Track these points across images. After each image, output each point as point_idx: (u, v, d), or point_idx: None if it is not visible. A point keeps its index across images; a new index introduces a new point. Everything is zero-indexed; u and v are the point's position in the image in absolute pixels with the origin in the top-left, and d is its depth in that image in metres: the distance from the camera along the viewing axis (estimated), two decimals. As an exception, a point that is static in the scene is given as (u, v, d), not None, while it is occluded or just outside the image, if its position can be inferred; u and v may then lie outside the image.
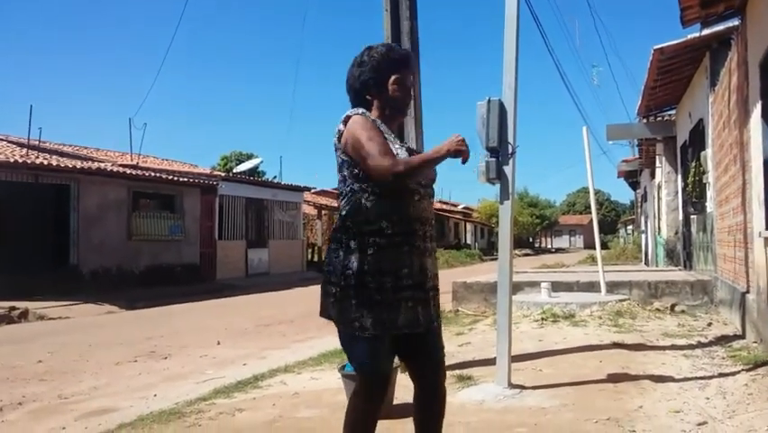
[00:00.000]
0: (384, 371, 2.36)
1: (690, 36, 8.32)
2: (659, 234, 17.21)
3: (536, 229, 63.14)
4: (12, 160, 14.37)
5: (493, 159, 4.75)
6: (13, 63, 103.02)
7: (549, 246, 73.82)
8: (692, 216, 11.52)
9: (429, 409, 2.50)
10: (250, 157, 38.19)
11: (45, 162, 15.01)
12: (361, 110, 2.46)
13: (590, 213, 10.83)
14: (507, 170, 4.76)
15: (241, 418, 4.20)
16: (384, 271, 2.30)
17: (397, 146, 2.42)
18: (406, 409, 3.22)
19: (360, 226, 2.34)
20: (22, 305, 11.98)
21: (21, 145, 17.31)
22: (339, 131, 2.43)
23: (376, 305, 2.28)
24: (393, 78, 2.48)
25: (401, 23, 5.97)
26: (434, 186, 2.52)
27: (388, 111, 2.52)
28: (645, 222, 23.26)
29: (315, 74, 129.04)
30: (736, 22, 6.83)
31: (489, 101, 4.73)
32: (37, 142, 17.19)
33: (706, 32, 7.78)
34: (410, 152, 2.53)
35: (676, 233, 14.34)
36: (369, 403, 2.38)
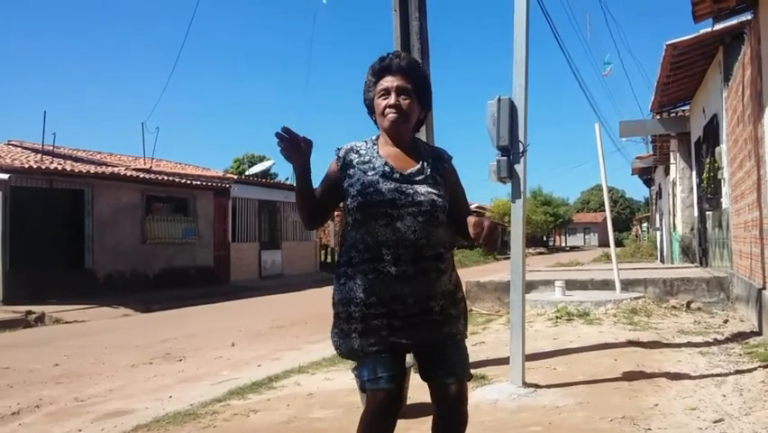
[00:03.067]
0: (380, 389, 2.26)
1: (702, 31, 8.25)
2: (674, 230, 17.10)
3: (550, 227, 62.88)
4: (27, 165, 14.53)
5: (504, 158, 4.74)
6: (26, 69, 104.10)
7: (563, 244, 73.52)
8: (707, 213, 11.44)
9: (448, 431, 2.42)
10: (262, 159, 38.19)
11: (59, 168, 15.13)
12: (345, 146, 2.45)
13: (605, 211, 10.78)
14: (519, 168, 4.75)
15: (255, 418, 4.22)
16: (350, 300, 2.27)
17: (370, 174, 2.32)
18: (421, 409, 3.23)
19: (339, 258, 2.39)
20: (38, 309, 12.10)
21: (35, 151, 17.46)
22: None
23: (346, 334, 2.29)
24: (378, 90, 2.40)
25: (410, 22, 5.96)
26: (427, 204, 2.29)
27: (384, 131, 2.43)
28: (660, 219, 23.11)
29: (326, 78, 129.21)
30: (748, 16, 6.77)
31: (499, 100, 4.71)
32: (51, 148, 17.31)
33: (718, 26, 7.71)
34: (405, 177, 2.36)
35: (691, 229, 14.23)
36: (374, 418, 2.32)
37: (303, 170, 2.28)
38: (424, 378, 2.39)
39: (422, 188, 2.33)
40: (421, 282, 2.28)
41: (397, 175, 2.34)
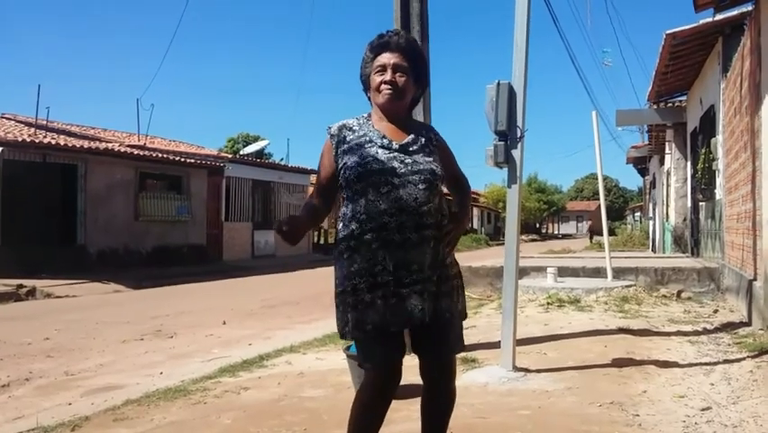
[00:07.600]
0: (381, 367, 2.31)
1: (702, 21, 8.23)
2: (667, 220, 17.15)
3: (543, 215, 63.10)
4: (20, 139, 14.40)
5: (501, 142, 4.73)
6: (20, 43, 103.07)
7: (556, 232, 73.78)
8: (701, 203, 11.47)
9: (435, 406, 2.46)
10: (257, 139, 38.14)
11: (53, 142, 15.04)
12: (337, 124, 2.45)
13: (598, 199, 10.79)
14: (516, 153, 4.73)
15: (246, 396, 4.22)
16: (357, 272, 2.27)
17: (368, 147, 2.34)
18: (411, 391, 3.23)
19: (339, 234, 2.37)
20: (29, 283, 12.07)
21: (29, 125, 17.33)
22: None
23: (353, 308, 2.27)
24: (375, 66, 2.41)
25: (411, 5, 5.90)
26: (427, 173, 2.32)
27: (378, 107, 2.44)
28: (653, 209, 23.17)
29: (322, 57, 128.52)
30: (749, 7, 6.74)
31: (498, 84, 4.69)
32: (45, 122, 17.19)
33: (719, 17, 7.70)
34: (407, 146, 2.38)
35: (684, 219, 14.28)
36: (371, 397, 2.36)
37: (304, 227, 2.35)
38: (415, 352, 2.41)
39: (420, 158, 2.36)
40: (424, 249, 2.30)
41: (396, 146, 2.37)
